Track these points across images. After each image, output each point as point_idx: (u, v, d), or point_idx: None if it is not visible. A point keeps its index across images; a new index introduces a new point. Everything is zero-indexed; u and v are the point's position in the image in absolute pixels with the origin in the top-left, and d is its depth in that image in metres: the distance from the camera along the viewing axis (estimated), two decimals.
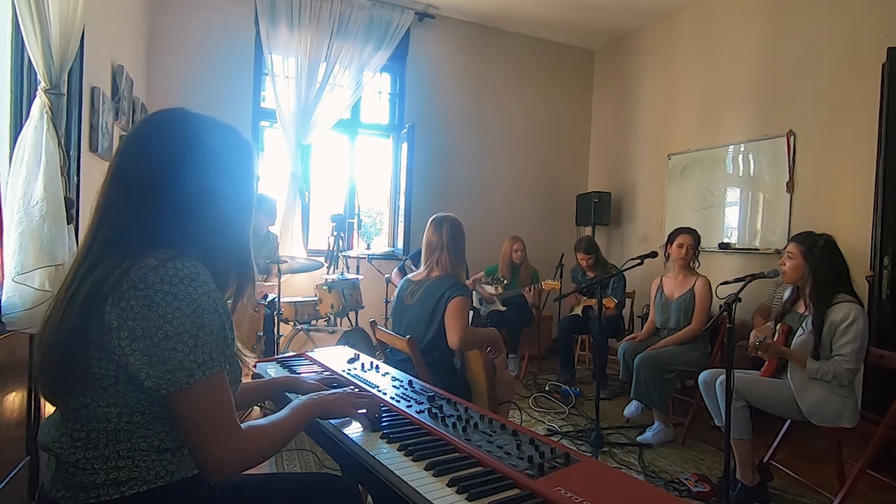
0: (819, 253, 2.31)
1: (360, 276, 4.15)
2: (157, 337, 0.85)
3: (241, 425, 0.95)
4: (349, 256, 4.52)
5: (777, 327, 2.45)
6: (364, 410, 1.21)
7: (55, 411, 0.97)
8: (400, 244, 5.08)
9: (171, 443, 0.93)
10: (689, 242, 3.33)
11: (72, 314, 0.88)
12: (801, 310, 2.42)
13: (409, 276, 2.38)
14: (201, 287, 0.89)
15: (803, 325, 2.34)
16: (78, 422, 0.89)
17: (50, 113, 1.79)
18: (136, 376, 0.86)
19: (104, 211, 0.95)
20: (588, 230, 5.43)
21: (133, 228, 0.93)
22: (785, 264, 2.41)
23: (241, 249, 1.04)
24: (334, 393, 1.23)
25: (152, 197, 0.93)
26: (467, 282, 4.38)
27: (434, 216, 2.33)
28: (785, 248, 2.48)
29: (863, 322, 2.20)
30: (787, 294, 2.54)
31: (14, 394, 1.88)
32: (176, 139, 0.97)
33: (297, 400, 1.14)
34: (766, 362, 2.47)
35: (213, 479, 0.91)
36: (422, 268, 2.32)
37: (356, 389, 1.40)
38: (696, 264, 3.40)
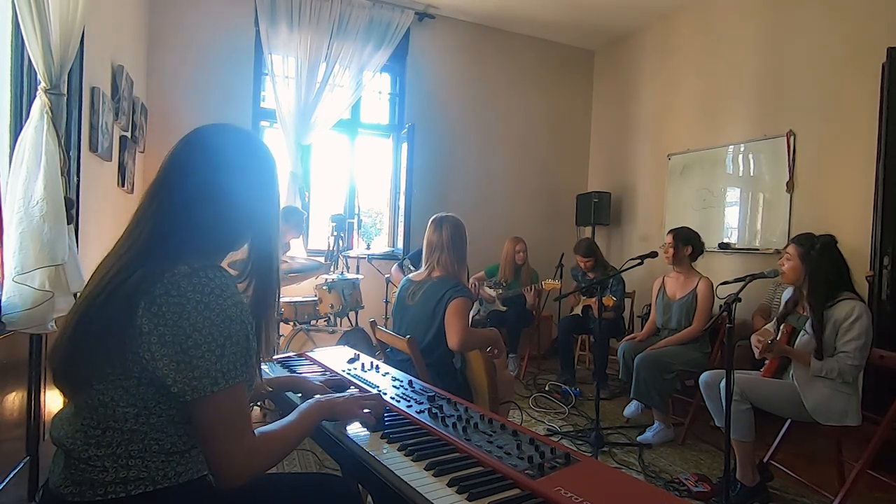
0: (816, 255, 2.31)
1: (360, 276, 4.15)
2: (186, 344, 0.87)
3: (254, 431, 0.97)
4: (349, 256, 4.52)
5: (781, 328, 2.45)
6: (368, 410, 1.21)
7: (68, 406, 0.99)
8: (400, 244, 5.08)
9: (182, 445, 0.95)
10: (669, 241, 3.33)
11: (105, 314, 0.90)
12: (804, 310, 2.41)
13: (410, 275, 2.38)
14: (231, 298, 0.92)
15: (806, 326, 2.34)
16: (95, 419, 0.91)
17: (50, 113, 1.80)
18: (162, 381, 0.88)
19: (141, 216, 0.99)
20: (588, 230, 5.44)
21: (168, 235, 0.96)
22: (784, 265, 2.41)
23: (271, 259, 1.07)
24: (341, 395, 1.23)
25: (188, 206, 0.98)
26: (471, 280, 4.39)
27: (435, 216, 2.33)
28: (784, 248, 2.48)
29: (867, 319, 2.19)
30: (787, 294, 2.54)
31: (14, 394, 1.88)
32: (212, 152, 1.02)
33: (304, 403, 1.15)
34: (767, 362, 2.47)
35: (226, 484, 0.92)
36: (423, 268, 2.32)
37: (358, 392, 1.40)
38: (687, 260, 3.35)
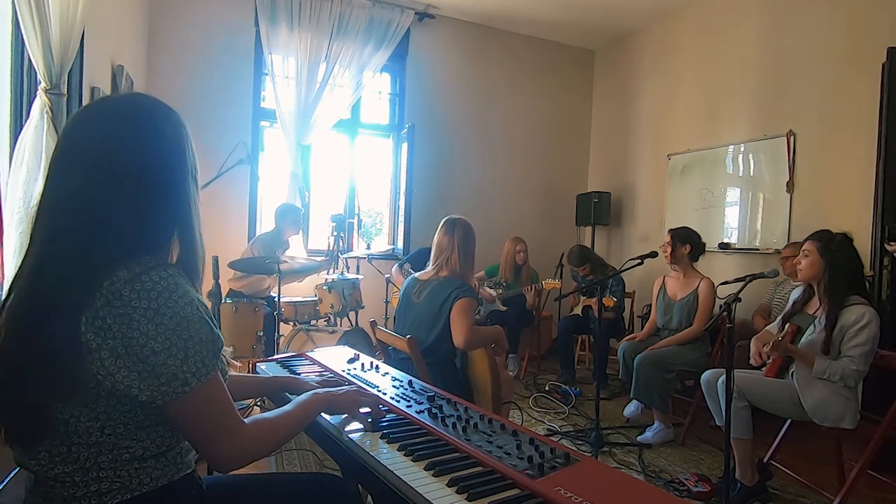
0: (836, 248, 2.30)
1: (360, 276, 4.15)
2: (142, 354, 0.81)
3: (246, 419, 0.95)
4: (349, 257, 4.52)
5: (786, 326, 2.45)
6: (368, 409, 1.21)
7: None
8: (400, 244, 5.08)
9: (156, 449, 0.91)
10: (667, 240, 3.33)
11: (44, 336, 0.81)
12: (812, 311, 2.40)
13: (416, 274, 2.40)
14: (182, 298, 0.85)
15: (814, 324, 2.33)
16: (56, 438, 0.86)
17: (50, 113, 1.80)
18: (126, 392, 0.83)
19: (66, 208, 0.86)
20: (588, 230, 5.44)
21: (109, 232, 0.85)
22: (800, 263, 2.39)
23: (198, 243, 0.96)
24: (341, 389, 1.23)
25: (143, 197, 0.88)
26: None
27: (447, 218, 2.35)
28: (802, 246, 2.44)
29: (875, 327, 2.18)
30: (796, 294, 2.52)
31: None
32: (171, 133, 0.92)
33: (302, 395, 1.14)
34: (770, 362, 2.46)
35: (222, 471, 0.93)
36: (430, 267, 2.33)
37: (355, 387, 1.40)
38: (686, 259, 3.34)
